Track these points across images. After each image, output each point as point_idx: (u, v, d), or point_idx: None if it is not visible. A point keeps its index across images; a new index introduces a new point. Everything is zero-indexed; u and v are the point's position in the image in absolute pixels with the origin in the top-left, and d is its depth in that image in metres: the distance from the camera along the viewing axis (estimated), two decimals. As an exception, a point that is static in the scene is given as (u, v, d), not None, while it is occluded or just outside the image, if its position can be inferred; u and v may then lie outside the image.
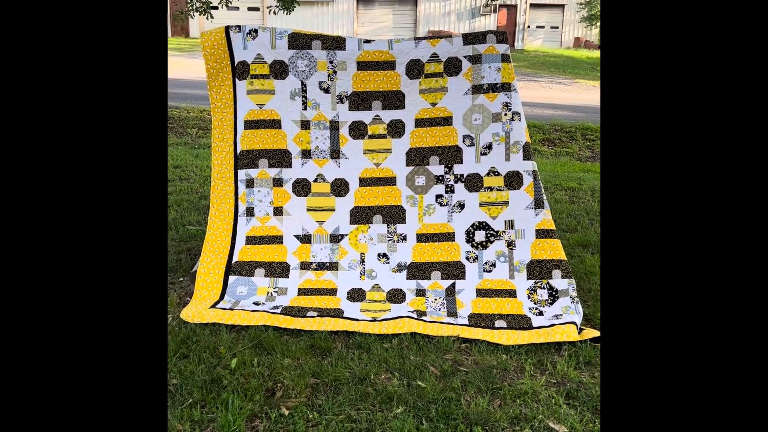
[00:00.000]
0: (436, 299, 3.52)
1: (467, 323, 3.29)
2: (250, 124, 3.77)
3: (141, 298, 1.41)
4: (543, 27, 30.05)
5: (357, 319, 3.26)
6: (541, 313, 3.36)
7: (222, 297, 3.50)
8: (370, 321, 3.25)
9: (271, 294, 3.57)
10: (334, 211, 3.78)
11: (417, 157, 3.78)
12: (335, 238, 3.75)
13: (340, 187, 3.79)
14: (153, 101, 1.48)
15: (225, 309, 3.32)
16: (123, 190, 1.42)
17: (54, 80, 1.36)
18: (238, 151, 3.77)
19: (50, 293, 1.32)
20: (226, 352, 2.88)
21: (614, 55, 1.46)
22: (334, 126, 3.80)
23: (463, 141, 3.74)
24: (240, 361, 2.80)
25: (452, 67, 3.74)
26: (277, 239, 3.74)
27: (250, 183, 3.77)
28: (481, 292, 3.53)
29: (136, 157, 1.44)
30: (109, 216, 1.40)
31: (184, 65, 17.11)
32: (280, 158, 3.78)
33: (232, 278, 3.60)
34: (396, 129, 3.79)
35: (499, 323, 3.29)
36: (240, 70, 3.75)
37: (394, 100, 3.79)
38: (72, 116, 1.38)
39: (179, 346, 2.92)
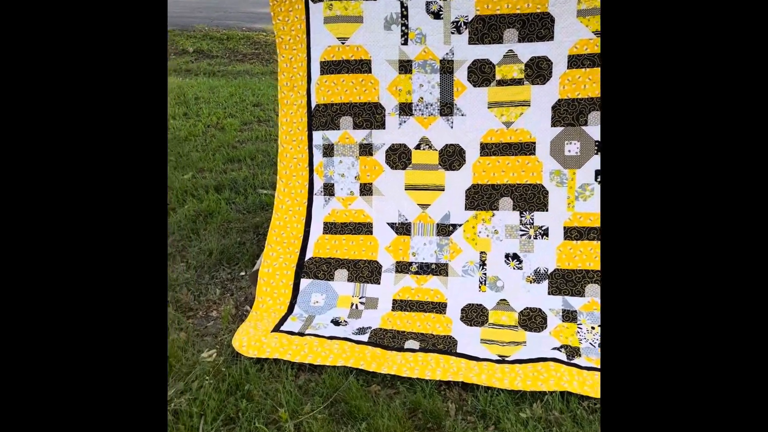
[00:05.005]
0: (593, 327, 2.42)
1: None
2: (328, 67, 2.69)
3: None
4: None
5: (476, 358, 2.26)
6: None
7: (291, 309, 2.59)
8: (497, 362, 2.23)
9: (357, 306, 2.61)
10: (443, 190, 2.69)
11: (569, 114, 2.57)
12: (444, 230, 2.69)
13: (452, 157, 2.68)
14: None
15: (293, 333, 2.41)
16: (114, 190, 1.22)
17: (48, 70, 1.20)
18: (313, 106, 2.73)
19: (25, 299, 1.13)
20: (287, 419, 1.97)
21: (615, 54, 1.30)
22: (447, 68, 2.64)
23: (643, 89, 2.47)
24: (306, 436, 1.90)
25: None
26: (365, 228, 2.73)
27: (328, 150, 2.74)
28: (662, 320, 2.38)
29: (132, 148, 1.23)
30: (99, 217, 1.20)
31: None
32: (370, 115, 2.70)
33: (305, 282, 2.67)
34: (539, 71, 2.58)
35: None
36: (314, -12, 2.64)
37: (537, 27, 2.55)
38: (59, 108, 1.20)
39: (223, 403, 2.05)
